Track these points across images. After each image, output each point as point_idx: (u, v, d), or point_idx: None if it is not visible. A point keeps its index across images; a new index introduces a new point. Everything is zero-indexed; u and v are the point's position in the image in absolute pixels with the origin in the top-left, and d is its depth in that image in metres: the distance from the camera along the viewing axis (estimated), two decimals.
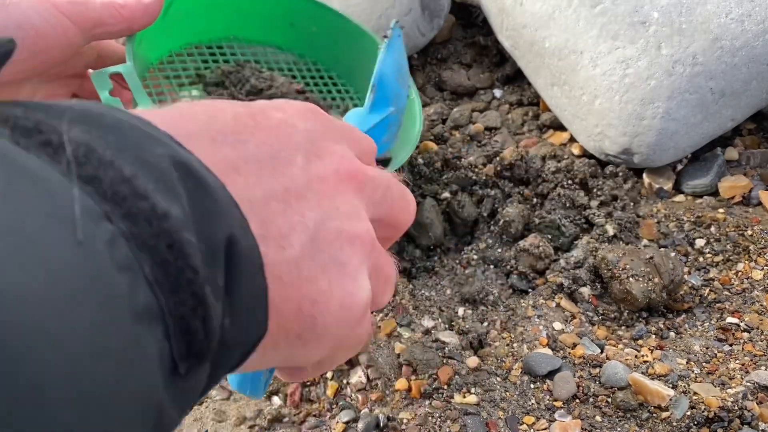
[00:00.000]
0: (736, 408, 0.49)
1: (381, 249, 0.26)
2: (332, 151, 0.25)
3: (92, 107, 0.19)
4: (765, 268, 0.62)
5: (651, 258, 0.58)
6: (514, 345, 0.57)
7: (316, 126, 0.25)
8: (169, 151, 0.19)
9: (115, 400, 0.15)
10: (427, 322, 0.60)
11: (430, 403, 0.53)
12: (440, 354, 0.56)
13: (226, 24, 0.66)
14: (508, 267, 0.64)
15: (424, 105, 0.84)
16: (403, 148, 0.63)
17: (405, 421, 0.52)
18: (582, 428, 0.50)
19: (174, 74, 0.61)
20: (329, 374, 0.56)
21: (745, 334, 0.57)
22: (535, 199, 0.69)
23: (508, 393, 0.54)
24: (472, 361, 0.56)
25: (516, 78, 0.86)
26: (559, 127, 0.78)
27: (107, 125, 0.18)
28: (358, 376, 0.55)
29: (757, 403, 0.50)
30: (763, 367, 0.53)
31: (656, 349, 0.56)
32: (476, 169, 0.72)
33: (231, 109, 0.23)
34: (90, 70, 0.53)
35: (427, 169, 0.70)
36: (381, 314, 0.61)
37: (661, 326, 0.59)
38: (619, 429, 0.50)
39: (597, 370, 0.54)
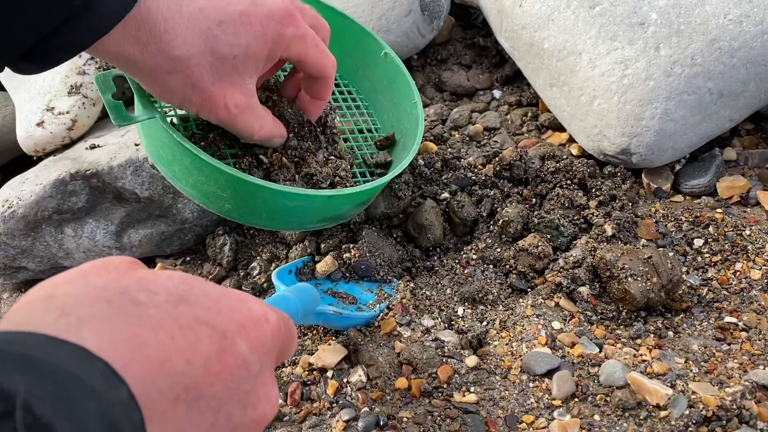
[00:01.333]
0: (735, 407, 0.49)
1: None
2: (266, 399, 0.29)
3: (33, 352, 0.20)
4: (763, 267, 0.62)
5: (649, 258, 0.58)
6: (513, 344, 0.58)
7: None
8: (101, 406, 0.20)
9: None
10: (427, 321, 0.60)
11: (430, 402, 0.53)
12: (440, 353, 0.57)
13: None
14: (508, 266, 0.64)
15: (424, 105, 0.84)
16: (403, 153, 0.63)
17: (405, 419, 0.52)
18: (581, 427, 0.50)
19: None
20: (329, 373, 0.56)
21: (744, 334, 0.57)
22: (534, 199, 0.69)
23: (507, 392, 0.54)
24: (472, 360, 0.56)
25: (515, 79, 0.86)
26: (558, 127, 0.78)
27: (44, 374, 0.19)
28: (358, 375, 0.55)
29: (756, 402, 0.50)
30: (761, 367, 0.54)
31: (655, 348, 0.56)
32: (475, 170, 0.72)
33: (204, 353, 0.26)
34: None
35: (427, 170, 0.70)
36: (381, 313, 0.61)
37: (660, 326, 0.59)
38: (617, 428, 0.50)
39: (596, 369, 0.54)
